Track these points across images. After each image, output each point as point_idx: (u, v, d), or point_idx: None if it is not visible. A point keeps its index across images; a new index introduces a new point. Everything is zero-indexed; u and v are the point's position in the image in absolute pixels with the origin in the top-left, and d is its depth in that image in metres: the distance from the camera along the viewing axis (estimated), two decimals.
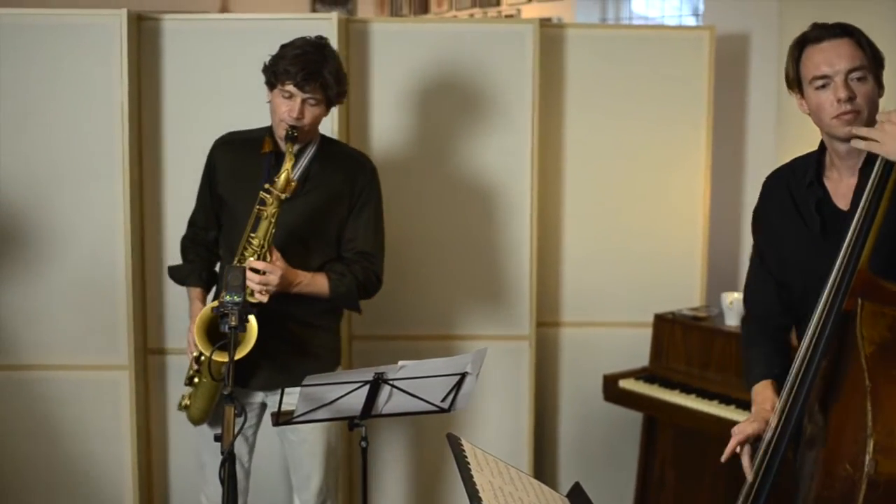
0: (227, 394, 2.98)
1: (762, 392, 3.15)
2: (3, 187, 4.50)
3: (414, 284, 4.77)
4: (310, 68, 3.63)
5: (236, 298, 3.15)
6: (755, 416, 3.07)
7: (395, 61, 4.71)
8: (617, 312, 5.00)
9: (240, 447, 3.93)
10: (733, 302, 4.56)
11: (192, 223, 4.04)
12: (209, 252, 4.00)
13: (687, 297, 4.93)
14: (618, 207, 4.95)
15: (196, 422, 3.87)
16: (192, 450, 4.63)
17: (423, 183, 4.76)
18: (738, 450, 3.04)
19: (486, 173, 4.77)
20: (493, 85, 4.74)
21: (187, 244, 4.05)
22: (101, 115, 4.48)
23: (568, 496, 3.28)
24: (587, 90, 4.90)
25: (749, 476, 2.98)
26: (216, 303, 3.56)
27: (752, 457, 2.99)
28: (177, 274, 4.02)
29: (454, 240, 4.81)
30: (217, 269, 3.98)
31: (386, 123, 4.74)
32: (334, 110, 4.14)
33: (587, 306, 5.00)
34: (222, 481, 2.95)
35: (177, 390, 4.62)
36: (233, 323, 3.11)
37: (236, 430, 2.99)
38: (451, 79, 4.73)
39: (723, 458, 3.06)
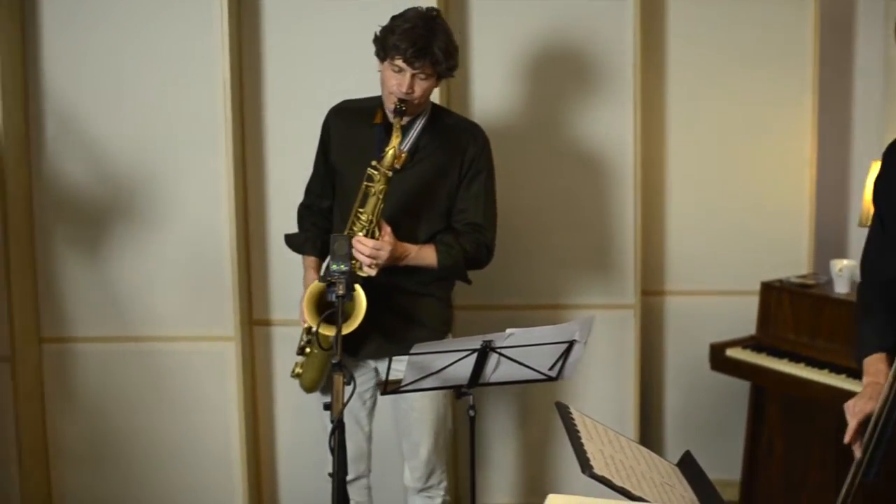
0: (335, 363, 2.98)
1: (874, 364, 3.07)
2: (108, 161, 4.56)
3: (518, 254, 4.74)
4: (420, 44, 3.59)
5: (343, 267, 3.16)
6: (870, 392, 3.00)
7: (495, 29, 4.67)
8: (723, 281, 4.93)
9: (359, 411, 3.96)
10: (843, 269, 4.47)
11: (309, 190, 4.05)
12: (325, 220, 3.99)
13: (794, 264, 4.84)
14: (722, 173, 4.88)
15: (308, 390, 3.89)
16: (298, 418, 4.71)
17: (525, 152, 4.72)
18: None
19: (589, 141, 4.73)
20: (595, 51, 4.69)
21: (303, 212, 4.05)
22: (203, 85, 4.52)
23: (678, 465, 3.25)
24: (690, 54, 4.84)
25: (857, 453, 2.92)
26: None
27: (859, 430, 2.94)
28: (293, 242, 4.02)
29: (558, 209, 4.77)
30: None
31: (487, 93, 4.71)
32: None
33: (693, 275, 4.95)
34: (332, 449, 2.96)
35: (282, 361, 4.69)
36: (340, 292, 3.12)
37: (345, 399, 2.99)
38: (552, 46, 4.68)
39: (846, 440, 2.99)
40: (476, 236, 3.83)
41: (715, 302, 4.94)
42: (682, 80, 4.84)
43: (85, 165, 4.57)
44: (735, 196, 4.88)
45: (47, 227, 4.59)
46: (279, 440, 4.85)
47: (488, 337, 3.24)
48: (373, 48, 3.71)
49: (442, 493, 4.02)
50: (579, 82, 4.69)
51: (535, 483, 4.93)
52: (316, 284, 3.67)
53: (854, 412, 2.97)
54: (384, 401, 4.00)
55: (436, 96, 4.36)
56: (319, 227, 3.98)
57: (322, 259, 3.95)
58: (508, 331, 3.25)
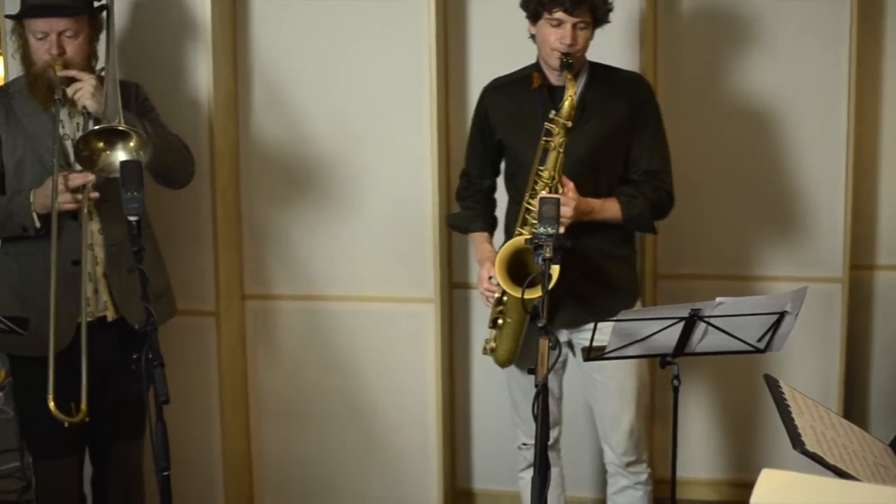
0: (541, 326, 2.96)
1: None
2: (313, 124, 4.61)
3: (717, 222, 4.64)
4: None
5: (550, 230, 3.13)
6: None
7: None
8: None
9: (551, 378, 3.91)
10: None
11: (465, 174, 4.06)
12: (487, 199, 4.00)
13: None
14: None
15: (503, 363, 3.88)
16: (493, 381, 4.69)
17: (727, 117, 4.62)
18: None
19: (797, 104, 4.58)
20: (758, 4, 4.54)
21: (464, 193, 4.06)
22: (409, 52, 4.52)
23: (891, 445, 3.14)
24: None
25: None
26: (520, 238, 3.54)
27: None
28: (459, 222, 4.04)
29: (761, 177, 4.64)
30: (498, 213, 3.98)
31: (692, 58, 4.62)
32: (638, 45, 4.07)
33: None
34: (535, 416, 2.93)
35: (480, 324, 4.69)
36: (547, 255, 3.09)
37: (550, 363, 2.96)
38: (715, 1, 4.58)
39: None
40: (655, 183, 3.78)
41: None
42: None
43: (291, 127, 4.63)
44: None
45: (253, 188, 4.67)
46: (475, 404, 4.87)
47: (697, 305, 3.18)
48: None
49: (645, 466, 3.97)
50: (786, 40, 4.56)
51: (739, 459, 4.84)
52: (513, 243, 3.61)
53: None
54: (578, 378, 3.96)
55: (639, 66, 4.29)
56: (482, 206, 4.00)
57: (492, 234, 3.96)
58: (718, 299, 3.18)
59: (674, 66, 4.64)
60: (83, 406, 3.65)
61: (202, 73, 4.41)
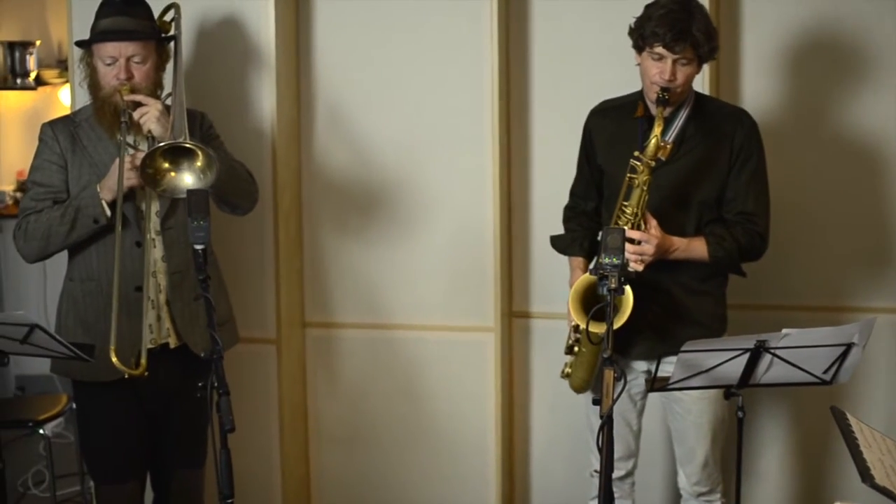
0: (606, 357, 2.94)
1: None
2: (375, 151, 4.63)
3: (792, 253, 4.57)
4: (678, 27, 3.53)
5: (615, 261, 3.11)
6: None
7: (766, 21, 4.52)
8: None
9: (629, 413, 3.91)
10: None
11: (573, 193, 4.03)
12: (590, 221, 3.95)
13: None
14: None
15: (578, 390, 3.86)
16: (552, 413, 4.67)
17: (798, 147, 4.56)
18: None
19: (864, 135, 4.52)
20: (866, 40, 4.47)
21: (569, 214, 4.03)
22: (470, 79, 4.53)
23: None
24: None
25: None
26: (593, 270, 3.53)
27: None
28: (559, 243, 4.01)
29: (832, 206, 4.57)
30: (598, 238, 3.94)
31: (758, 86, 4.57)
32: (705, 70, 4.03)
33: None
34: (599, 448, 2.91)
35: (540, 354, 4.70)
36: (612, 285, 3.07)
37: (616, 395, 2.94)
38: (824, 37, 4.50)
39: None
40: (748, 226, 3.72)
41: None
42: None
43: (352, 154, 4.65)
44: None
45: (314, 214, 4.69)
46: (534, 434, 4.83)
47: (763, 336, 3.14)
48: (629, 42, 3.65)
49: (719, 496, 3.94)
50: (851, 73, 4.50)
51: (808, 493, 4.76)
52: (584, 279, 3.64)
53: None
54: (654, 404, 3.94)
55: (705, 91, 4.27)
56: (585, 228, 3.95)
57: (588, 260, 3.92)
58: (784, 331, 3.15)
59: (782, 96, 4.61)
60: (143, 360, 3.65)
61: (266, 101, 4.45)
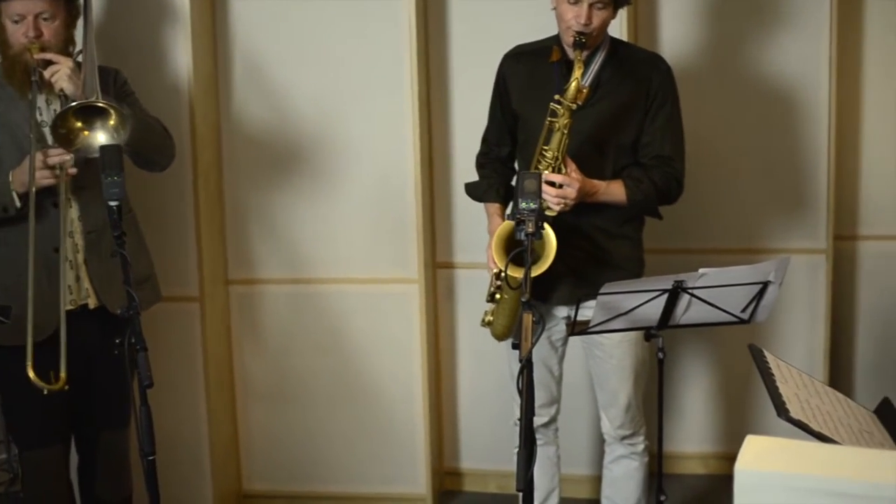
0: (524, 301, 2.94)
1: None
2: (297, 105, 4.59)
3: (705, 197, 4.63)
4: None
5: (532, 205, 3.11)
6: None
7: None
8: None
9: (550, 358, 3.93)
10: None
11: (486, 139, 4.01)
12: (504, 167, 3.95)
13: None
14: None
15: (500, 337, 3.86)
16: (479, 360, 4.71)
17: (714, 93, 4.61)
18: None
19: (780, 79, 4.58)
20: None
21: (482, 161, 4.01)
22: (388, 29, 4.50)
23: (875, 412, 3.14)
24: None
25: None
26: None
27: None
28: (474, 191, 4.00)
29: (746, 150, 4.64)
30: (514, 183, 3.94)
31: (676, 31, 4.60)
32: (622, 18, 4.04)
33: (889, 219, 4.76)
34: (520, 391, 2.92)
35: (465, 304, 4.70)
36: (529, 230, 3.07)
37: (534, 338, 2.95)
38: None
39: None
40: (665, 169, 3.74)
41: None
42: (882, 9, 4.62)
43: (272, 109, 4.61)
44: None
45: (235, 170, 4.65)
46: (461, 384, 4.86)
47: (680, 276, 3.18)
48: None
49: (643, 439, 3.98)
50: (770, 18, 4.54)
51: (728, 432, 4.84)
52: (504, 226, 3.63)
53: None
54: (576, 350, 3.96)
55: (622, 37, 4.28)
56: (500, 174, 3.95)
57: (505, 206, 3.92)
58: (701, 270, 3.18)
59: (700, 41, 4.64)
60: (62, 374, 3.61)
61: (181, 57, 4.38)
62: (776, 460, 2.11)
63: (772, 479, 2.05)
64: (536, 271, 3.41)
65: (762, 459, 2.10)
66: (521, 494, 2.87)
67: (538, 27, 3.88)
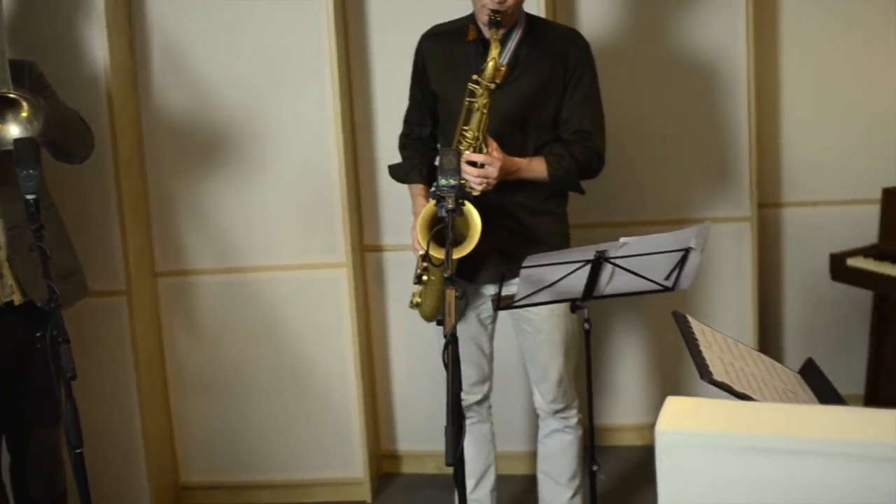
0: (447, 277, 2.94)
1: None
2: (218, 93, 4.56)
3: (629, 170, 4.67)
4: None
5: (452, 182, 3.11)
6: None
7: None
8: (841, 190, 4.82)
9: (480, 336, 3.94)
10: None
11: (407, 120, 4.00)
12: (427, 147, 3.94)
13: None
14: (839, 78, 4.75)
15: (429, 318, 3.85)
16: (411, 343, 4.69)
17: (635, 66, 4.65)
18: None
19: (699, 50, 4.62)
20: None
21: (404, 141, 4.00)
22: (306, 12, 4.48)
23: (800, 373, 3.18)
24: None
25: None
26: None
27: None
28: (397, 172, 3.99)
29: (669, 123, 4.69)
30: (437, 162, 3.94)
31: (595, 7, 4.63)
32: None
33: (811, 185, 4.85)
34: (446, 365, 2.92)
35: (395, 286, 4.70)
36: (450, 206, 3.07)
37: (458, 314, 2.95)
38: None
39: None
40: (585, 144, 3.74)
41: (834, 212, 4.84)
42: None
43: (192, 97, 4.58)
44: (853, 101, 4.75)
45: (158, 161, 4.61)
46: (394, 365, 4.87)
47: (602, 247, 3.19)
48: None
49: (575, 412, 4.00)
50: None
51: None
52: (428, 207, 3.63)
53: None
54: (507, 327, 3.97)
55: (541, 14, 4.29)
56: (422, 154, 3.93)
57: (429, 186, 3.90)
58: (622, 240, 3.19)
59: (619, 16, 4.67)
60: None
61: (98, 49, 4.33)
62: (696, 420, 2.13)
63: (692, 439, 2.06)
64: (462, 252, 3.43)
65: (682, 419, 2.12)
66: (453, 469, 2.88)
67: (458, 5, 3.87)
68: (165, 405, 4.76)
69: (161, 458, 4.70)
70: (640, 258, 3.24)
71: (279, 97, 4.55)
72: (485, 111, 3.53)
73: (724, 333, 3.11)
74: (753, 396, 2.71)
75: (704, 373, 2.74)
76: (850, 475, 1.89)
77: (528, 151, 3.72)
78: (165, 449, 4.75)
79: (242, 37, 4.53)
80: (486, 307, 3.87)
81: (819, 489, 1.92)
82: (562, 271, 3.20)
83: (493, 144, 3.56)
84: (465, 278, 3.68)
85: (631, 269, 3.25)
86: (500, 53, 3.55)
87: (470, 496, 4.02)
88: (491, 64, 3.49)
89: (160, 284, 4.70)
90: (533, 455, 4.24)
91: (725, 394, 2.71)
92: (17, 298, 3.76)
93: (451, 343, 2.85)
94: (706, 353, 2.87)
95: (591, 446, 3.51)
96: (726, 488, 2.01)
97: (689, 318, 3.07)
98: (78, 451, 3.06)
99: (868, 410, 2.04)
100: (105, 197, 4.41)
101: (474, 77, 3.52)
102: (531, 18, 3.79)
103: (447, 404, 2.85)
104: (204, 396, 4.76)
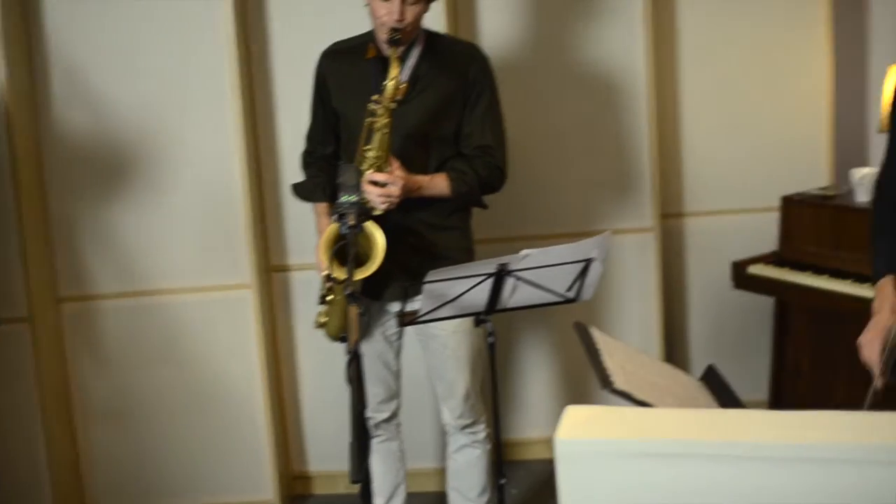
0: (348, 294, 2.94)
1: (883, 288, 3.04)
2: (117, 115, 4.51)
3: (534, 184, 4.69)
4: None
5: (352, 198, 3.11)
6: (875, 324, 2.99)
7: None
8: (742, 199, 4.90)
9: (386, 353, 3.93)
10: (864, 177, 4.41)
11: (310, 138, 3.98)
12: (330, 165, 3.89)
13: (814, 176, 4.80)
14: (737, 88, 4.83)
15: (335, 337, 3.82)
16: (319, 363, 4.68)
17: (536, 80, 4.68)
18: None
19: (599, 65, 4.67)
20: None
21: (307, 160, 3.98)
22: (207, 31, 4.45)
23: (702, 380, 3.22)
24: None
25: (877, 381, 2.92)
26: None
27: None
28: (301, 191, 3.96)
29: (571, 136, 4.73)
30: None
31: (496, 22, 4.65)
32: (440, 9, 4.05)
33: (711, 195, 4.91)
34: (349, 381, 2.92)
35: (302, 306, 4.67)
36: (351, 222, 3.07)
37: (360, 331, 2.94)
38: None
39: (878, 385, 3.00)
40: (487, 159, 3.75)
41: (735, 221, 4.90)
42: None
43: (94, 120, 4.52)
44: (751, 111, 4.83)
45: (59, 185, 4.54)
46: (302, 386, 4.84)
47: (503, 260, 3.19)
48: None
49: (483, 427, 4.01)
50: (587, 7, 4.63)
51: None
52: (332, 227, 3.61)
53: (864, 347, 2.97)
54: (414, 343, 3.97)
55: (442, 29, 4.30)
56: (326, 173, 3.90)
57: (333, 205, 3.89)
58: (523, 252, 3.20)
59: (521, 30, 4.69)
60: None
61: None
62: (594, 428, 2.14)
63: (591, 447, 2.07)
64: (365, 273, 3.44)
65: (580, 428, 2.13)
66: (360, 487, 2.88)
67: (361, 24, 3.86)
68: (72, 434, 4.68)
69: (68, 488, 4.62)
70: (542, 270, 3.25)
71: (181, 118, 4.51)
72: (386, 130, 3.53)
73: (628, 343, 3.15)
74: (654, 404, 2.74)
75: (605, 382, 2.77)
76: (745, 476, 1.92)
77: (430, 168, 3.73)
78: (72, 478, 4.67)
79: (144, 58, 4.49)
80: (392, 324, 3.87)
81: (715, 492, 1.94)
82: (464, 285, 3.20)
83: (396, 163, 3.56)
84: (369, 296, 3.68)
85: (533, 281, 3.26)
86: (401, 71, 3.56)
87: None
88: (391, 84, 3.49)
89: (64, 310, 4.62)
90: (443, 471, 4.24)
91: (629, 403, 2.74)
92: None
93: (354, 359, 2.86)
94: (608, 363, 2.89)
95: (499, 460, 3.51)
96: (626, 495, 2.02)
97: (591, 329, 3.10)
98: None
99: (763, 412, 2.07)
100: (5, 221, 4.35)
101: (374, 97, 3.52)
102: (430, 34, 3.80)
103: (351, 421, 2.85)
104: (112, 423, 4.69)
